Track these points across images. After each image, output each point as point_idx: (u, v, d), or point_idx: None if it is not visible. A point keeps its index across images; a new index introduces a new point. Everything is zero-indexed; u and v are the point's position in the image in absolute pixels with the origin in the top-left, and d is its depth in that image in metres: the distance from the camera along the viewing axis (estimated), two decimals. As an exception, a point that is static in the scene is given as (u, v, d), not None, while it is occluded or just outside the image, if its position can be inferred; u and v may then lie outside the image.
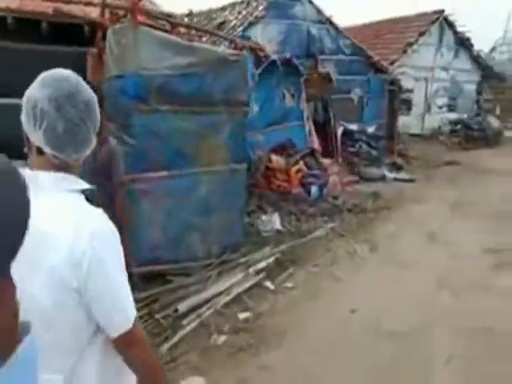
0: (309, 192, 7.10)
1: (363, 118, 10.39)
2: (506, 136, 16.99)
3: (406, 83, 15.15)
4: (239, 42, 6.24)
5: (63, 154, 1.06)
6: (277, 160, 7.46)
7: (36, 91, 1.03)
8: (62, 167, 1.08)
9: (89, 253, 1.01)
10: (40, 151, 1.06)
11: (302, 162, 7.47)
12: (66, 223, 1.02)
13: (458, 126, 14.44)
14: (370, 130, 9.83)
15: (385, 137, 11.19)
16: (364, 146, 9.16)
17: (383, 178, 9.34)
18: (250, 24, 8.20)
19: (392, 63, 14.48)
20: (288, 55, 7.93)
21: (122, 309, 1.09)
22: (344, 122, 9.53)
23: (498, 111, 20.40)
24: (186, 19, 8.59)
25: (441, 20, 15.65)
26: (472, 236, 5.81)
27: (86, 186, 1.12)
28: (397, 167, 10.65)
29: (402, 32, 15.93)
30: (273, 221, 5.87)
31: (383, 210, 7.17)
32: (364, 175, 9.06)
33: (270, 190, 7.15)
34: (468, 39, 16.51)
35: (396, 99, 11.35)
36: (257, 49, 7.25)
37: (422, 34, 15.15)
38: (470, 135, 14.47)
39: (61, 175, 1.07)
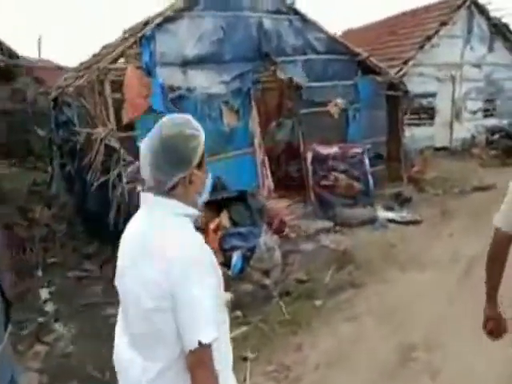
0: (229, 263, 4.61)
1: (349, 135, 7.72)
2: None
3: (426, 86, 12.23)
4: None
5: (154, 182, 1.32)
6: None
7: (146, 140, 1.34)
8: (167, 193, 1.32)
9: (180, 266, 1.19)
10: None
11: (225, 213, 4.99)
12: (167, 239, 1.24)
13: (496, 136, 11.27)
14: (356, 150, 7.13)
15: (383, 159, 8.41)
16: (342, 177, 6.50)
17: (372, 221, 6.62)
18: (168, 19, 5.92)
19: (405, 62, 11.66)
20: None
21: (196, 326, 1.19)
22: (316, 145, 6.93)
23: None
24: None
25: (468, 4, 12.59)
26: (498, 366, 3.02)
27: (189, 211, 1.33)
28: (401, 200, 7.84)
29: (420, 24, 13.01)
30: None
31: (344, 291, 4.51)
32: (341, 219, 6.38)
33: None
34: (506, 26, 13.26)
35: (399, 108, 8.55)
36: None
37: (443, 23, 12.17)
38: (512, 146, 11.24)
39: (171, 201, 1.31)
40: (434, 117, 12.67)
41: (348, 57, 7.75)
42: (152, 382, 1.27)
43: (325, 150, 6.81)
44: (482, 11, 12.93)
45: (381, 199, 7.89)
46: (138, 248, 1.29)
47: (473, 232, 6.21)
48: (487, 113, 13.65)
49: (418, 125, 12.42)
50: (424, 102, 12.33)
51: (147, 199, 1.33)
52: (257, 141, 6.67)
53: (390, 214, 7.05)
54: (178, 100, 5.94)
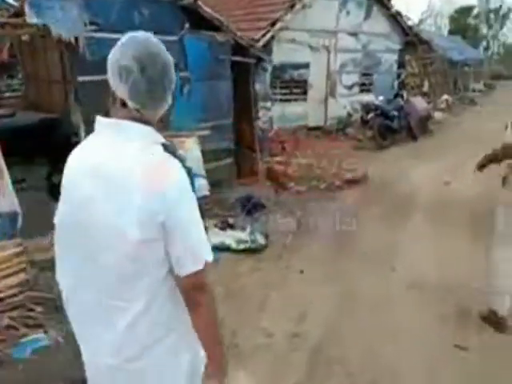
0: None
1: (172, 119, 5.34)
2: (436, 119, 12.83)
3: (298, 55, 10.31)
4: None
5: (144, 110, 1.16)
6: None
7: (122, 50, 1.13)
8: (143, 121, 1.17)
9: (171, 192, 1.11)
10: (124, 104, 1.15)
11: None
12: (151, 166, 1.12)
13: (371, 115, 9.87)
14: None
15: (230, 150, 6.22)
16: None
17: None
18: None
19: (273, 24, 9.52)
20: None
21: (197, 248, 1.16)
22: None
23: (426, 87, 16.34)
24: None
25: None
26: None
27: (163, 140, 1.20)
28: (250, 208, 5.78)
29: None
30: None
31: None
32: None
33: None
34: (383, -10, 11.86)
35: (250, 79, 6.35)
36: None
37: (316, -20, 10.23)
38: (388, 126, 9.95)
39: (148, 128, 1.17)
40: (306, 92, 10.89)
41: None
42: (138, 319, 1.17)
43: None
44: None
45: (221, 208, 5.74)
46: (112, 179, 1.12)
47: (330, 267, 4.39)
48: (363, 87, 12.34)
49: (288, 101, 10.54)
50: (295, 74, 10.43)
51: (119, 126, 1.16)
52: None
53: (225, 237, 4.92)
54: None
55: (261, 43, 9.15)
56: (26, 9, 4.10)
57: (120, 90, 1.14)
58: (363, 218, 5.50)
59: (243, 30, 9.65)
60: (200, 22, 5.57)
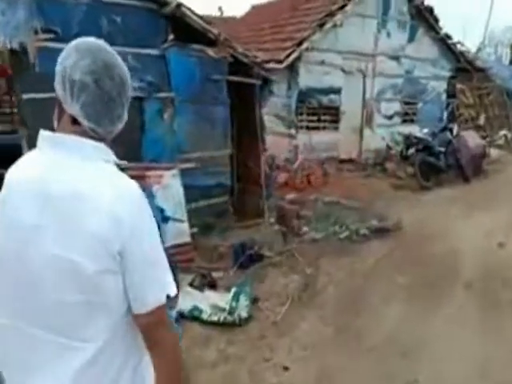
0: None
1: (146, 149, 4.35)
2: (493, 158, 11.01)
3: (329, 79, 9.20)
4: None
5: (100, 128, 1.05)
6: None
7: (72, 61, 1.00)
8: (96, 138, 1.06)
9: (129, 217, 0.99)
10: (74, 121, 1.04)
11: None
12: (106, 188, 1.00)
13: (411, 150, 8.43)
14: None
15: (224, 185, 5.12)
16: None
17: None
18: None
19: (299, 44, 8.52)
20: None
21: (158, 280, 1.06)
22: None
23: (481, 121, 14.51)
24: None
25: (384, -23, 9.71)
26: None
27: (115, 158, 1.11)
28: (246, 262, 4.64)
29: (327, -2, 9.93)
30: None
31: None
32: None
33: None
34: (431, 9, 10.56)
35: (255, 104, 5.27)
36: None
37: (350, -3, 9.14)
38: (432, 164, 8.45)
39: (101, 145, 1.07)
40: (338, 120, 9.66)
41: (146, 3, 4.30)
42: (96, 358, 1.03)
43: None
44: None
45: (206, 258, 4.63)
46: (61, 202, 0.98)
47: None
48: (406, 118, 10.92)
49: (316, 128, 9.38)
50: (324, 99, 9.27)
51: (68, 143, 1.03)
52: None
53: (198, 300, 3.77)
54: None
55: (284, 64, 8.18)
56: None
57: (71, 106, 1.01)
58: (384, 291, 4.12)
59: (267, 50, 8.78)
60: (190, 33, 4.61)
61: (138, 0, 4.25)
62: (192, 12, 4.44)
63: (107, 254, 0.97)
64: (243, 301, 3.91)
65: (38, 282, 1.00)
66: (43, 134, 1.04)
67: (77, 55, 1.00)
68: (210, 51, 4.69)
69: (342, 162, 9.70)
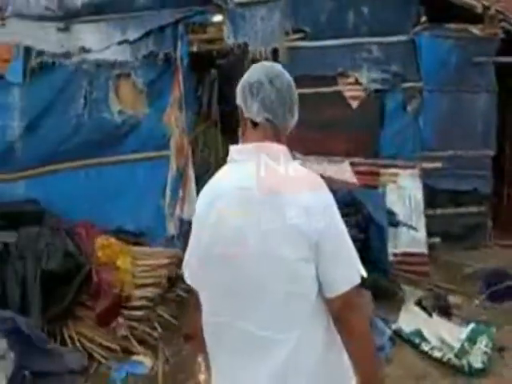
0: None
1: (384, 145, 3.94)
2: None
3: None
4: None
5: (276, 120, 1.16)
6: None
7: (248, 76, 1.19)
8: (275, 139, 1.17)
9: (323, 210, 1.08)
10: (254, 124, 1.16)
11: None
12: (300, 186, 1.10)
13: None
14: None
15: (486, 196, 4.21)
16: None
17: None
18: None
19: None
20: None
21: (351, 265, 1.11)
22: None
23: None
24: None
25: None
26: None
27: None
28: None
29: None
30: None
31: None
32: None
33: None
34: None
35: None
36: None
37: None
38: None
39: (284, 147, 1.17)
40: None
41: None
42: (298, 347, 1.09)
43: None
44: None
45: (446, 277, 3.92)
46: (263, 202, 1.09)
47: None
48: None
49: None
50: None
51: (258, 148, 1.15)
52: (174, 141, 3.95)
53: (423, 324, 3.19)
54: (42, 70, 3.98)
55: None
56: (225, 26, 3.90)
57: (251, 105, 1.16)
58: None
59: None
60: (447, 11, 3.95)
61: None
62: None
63: (306, 245, 1.05)
64: (481, 345, 3.03)
65: (254, 279, 1.09)
66: (233, 148, 1.19)
67: (252, 71, 1.20)
68: (474, 29, 3.88)
69: None
